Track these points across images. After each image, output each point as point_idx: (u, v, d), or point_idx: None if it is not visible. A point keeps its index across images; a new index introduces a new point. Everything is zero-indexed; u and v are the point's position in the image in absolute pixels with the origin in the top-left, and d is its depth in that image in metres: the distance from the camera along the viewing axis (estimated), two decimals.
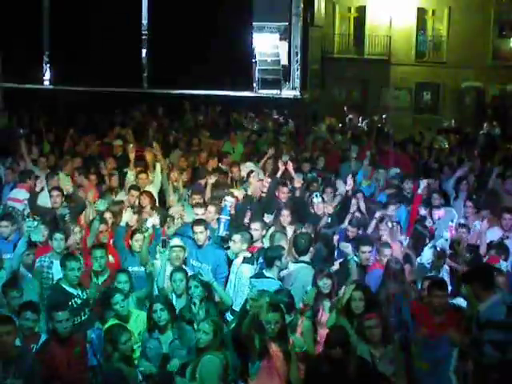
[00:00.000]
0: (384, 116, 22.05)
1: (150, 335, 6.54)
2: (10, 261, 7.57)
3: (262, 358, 6.06)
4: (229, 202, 9.00)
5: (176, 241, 7.85)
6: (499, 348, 5.90)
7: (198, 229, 8.23)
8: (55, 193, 9.57)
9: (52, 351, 6.17)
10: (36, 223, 7.57)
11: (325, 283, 6.97)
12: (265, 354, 6.06)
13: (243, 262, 7.84)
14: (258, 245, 8.36)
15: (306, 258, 7.76)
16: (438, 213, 8.83)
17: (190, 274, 7.39)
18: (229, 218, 8.79)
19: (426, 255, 8.18)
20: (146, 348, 6.50)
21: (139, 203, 9.65)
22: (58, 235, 7.88)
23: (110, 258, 8.03)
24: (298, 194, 10.09)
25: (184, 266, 7.74)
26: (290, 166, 10.55)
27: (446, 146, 17.29)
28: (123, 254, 8.28)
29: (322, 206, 9.50)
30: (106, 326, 6.72)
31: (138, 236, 8.17)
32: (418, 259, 8.12)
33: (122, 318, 6.78)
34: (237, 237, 8.07)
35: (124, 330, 6.28)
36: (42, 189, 10.11)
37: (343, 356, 5.90)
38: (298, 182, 10.21)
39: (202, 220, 8.58)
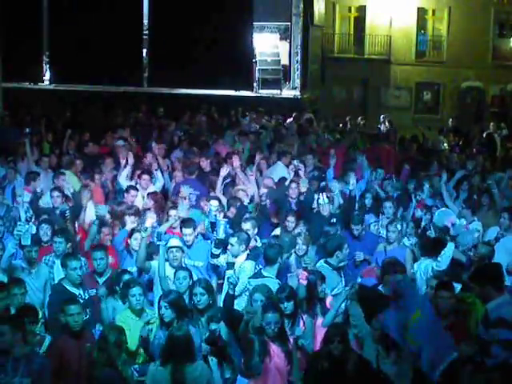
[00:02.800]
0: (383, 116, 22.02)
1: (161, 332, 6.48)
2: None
3: (264, 359, 6.04)
4: (214, 206, 8.99)
5: (174, 241, 7.84)
6: (508, 348, 5.79)
7: (187, 231, 8.28)
8: (56, 193, 9.60)
9: (64, 345, 6.24)
10: (27, 227, 7.58)
11: (285, 307, 6.55)
12: (266, 354, 6.05)
13: (247, 259, 7.84)
14: (251, 244, 8.34)
15: (333, 261, 7.78)
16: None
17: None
18: (227, 220, 8.80)
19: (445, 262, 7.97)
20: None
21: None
22: (57, 238, 7.94)
23: (110, 258, 8.05)
24: (302, 198, 10.09)
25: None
26: (302, 172, 10.63)
27: (446, 146, 17.29)
28: (123, 255, 8.29)
29: (327, 207, 9.51)
30: (118, 316, 6.76)
31: (137, 235, 8.21)
32: (435, 265, 7.77)
33: (136, 311, 6.80)
34: (233, 239, 8.01)
35: (123, 329, 6.26)
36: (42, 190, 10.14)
37: (342, 352, 5.92)
38: (304, 187, 10.22)
39: (191, 220, 8.58)
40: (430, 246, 8.20)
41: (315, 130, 17.27)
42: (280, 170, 11.81)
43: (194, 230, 8.38)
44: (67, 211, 9.03)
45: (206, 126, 16.91)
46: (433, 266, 7.74)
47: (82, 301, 7.09)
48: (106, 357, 5.92)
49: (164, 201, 10.33)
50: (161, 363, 5.87)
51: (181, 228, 8.45)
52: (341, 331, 6.08)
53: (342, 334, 6.04)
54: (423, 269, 7.87)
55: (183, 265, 7.86)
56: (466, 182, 11.30)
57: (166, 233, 8.53)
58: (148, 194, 10.09)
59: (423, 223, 9.55)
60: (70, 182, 10.46)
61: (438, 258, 7.72)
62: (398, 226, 8.73)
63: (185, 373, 5.77)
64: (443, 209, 9.17)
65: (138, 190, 10.22)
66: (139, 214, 9.19)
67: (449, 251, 7.72)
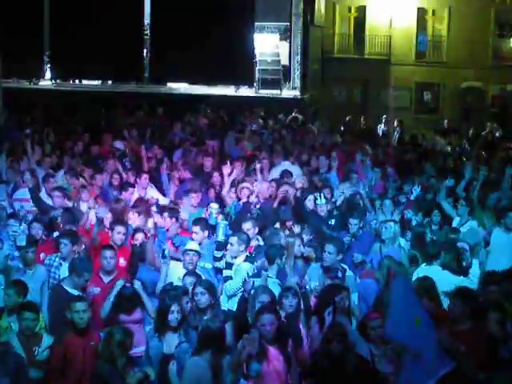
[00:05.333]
0: (385, 116, 22.07)
1: (154, 334, 6.51)
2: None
3: (261, 361, 6.02)
4: (214, 209, 8.98)
5: (192, 245, 7.86)
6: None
7: (195, 228, 8.27)
8: (56, 193, 9.60)
9: (69, 341, 6.31)
10: (22, 227, 7.58)
11: (290, 302, 6.57)
12: (263, 356, 6.02)
13: (244, 261, 7.85)
14: (253, 243, 8.37)
15: None
16: None
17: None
18: (227, 222, 8.80)
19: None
20: (149, 347, 6.48)
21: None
22: (64, 240, 7.91)
23: (121, 260, 8.06)
24: (298, 194, 10.11)
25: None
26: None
27: (449, 148, 17.33)
28: None
29: (325, 207, 9.50)
30: None
31: (139, 235, 8.22)
32: (467, 283, 7.76)
33: None
34: (234, 239, 8.02)
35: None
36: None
37: (342, 352, 5.92)
38: (299, 183, 10.23)
39: (200, 219, 8.59)
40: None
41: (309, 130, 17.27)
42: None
43: (203, 230, 8.37)
44: (58, 218, 9.01)
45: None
46: (464, 280, 7.73)
47: None
48: (107, 353, 5.99)
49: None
50: (198, 352, 5.88)
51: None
52: (340, 331, 6.08)
53: (341, 333, 6.04)
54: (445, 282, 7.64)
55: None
56: (475, 182, 11.28)
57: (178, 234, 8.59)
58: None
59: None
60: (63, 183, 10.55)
61: (471, 277, 7.84)
62: (392, 225, 8.72)
63: (222, 363, 5.84)
64: (469, 227, 9.24)
65: (134, 186, 10.27)
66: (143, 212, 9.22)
67: (477, 269, 7.97)
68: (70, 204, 9.49)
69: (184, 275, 7.33)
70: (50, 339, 6.61)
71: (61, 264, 7.82)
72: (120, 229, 8.27)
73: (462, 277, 7.85)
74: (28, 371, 6.17)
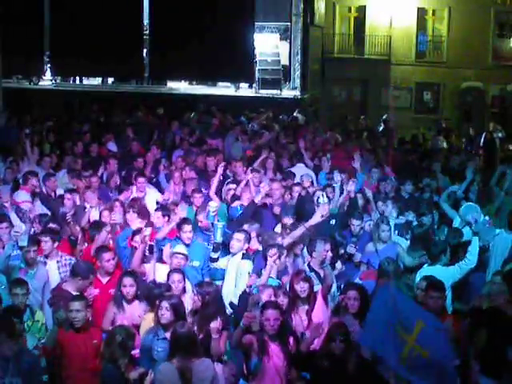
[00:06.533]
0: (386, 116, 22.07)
1: (156, 335, 6.40)
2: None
3: (262, 358, 6.04)
4: (212, 207, 8.97)
5: (180, 248, 7.83)
6: None
7: (187, 228, 8.26)
8: (67, 195, 9.60)
9: (68, 339, 6.36)
10: (23, 228, 7.58)
11: (302, 287, 6.81)
12: (264, 353, 6.04)
13: (243, 258, 7.87)
14: (253, 246, 8.35)
15: None
16: None
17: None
18: (224, 223, 8.80)
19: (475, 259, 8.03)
20: (154, 350, 6.35)
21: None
22: (44, 238, 7.92)
23: None
24: (303, 193, 10.12)
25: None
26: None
27: (445, 145, 17.35)
28: (125, 252, 8.26)
29: (327, 206, 9.49)
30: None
31: (137, 237, 8.21)
32: (464, 263, 7.83)
33: None
34: (240, 235, 8.03)
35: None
36: None
37: (343, 351, 5.92)
38: (306, 182, 10.23)
39: (189, 219, 8.59)
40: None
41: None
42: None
43: (192, 229, 8.38)
44: (68, 215, 9.02)
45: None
46: (460, 265, 7.76)
47: None
48: (109, 353, 6.01)
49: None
50: (167, 358, 5.88)
51: (179, 227, 8.42)
52: (343, 330, 6.08)
53: (343, 333, 6.04)
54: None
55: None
56: (475, 182, 11.28)
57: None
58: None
59: None
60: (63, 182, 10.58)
61: (468, 256, 7.76)
62: (386, 225, 8.72)
63: (191, 368, 5.78)
64: (469, 203, 9.25)
65: (132, 184, 10.33)
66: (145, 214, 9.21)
67: (475, 247, 7.80)
68: (80, 205, 9.49)
69: (169, 272, 7.28)
70: (34, 341, 6.64)
71: (45, 263, 7.82)
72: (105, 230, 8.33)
73: (461, 262, 7.82)
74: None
